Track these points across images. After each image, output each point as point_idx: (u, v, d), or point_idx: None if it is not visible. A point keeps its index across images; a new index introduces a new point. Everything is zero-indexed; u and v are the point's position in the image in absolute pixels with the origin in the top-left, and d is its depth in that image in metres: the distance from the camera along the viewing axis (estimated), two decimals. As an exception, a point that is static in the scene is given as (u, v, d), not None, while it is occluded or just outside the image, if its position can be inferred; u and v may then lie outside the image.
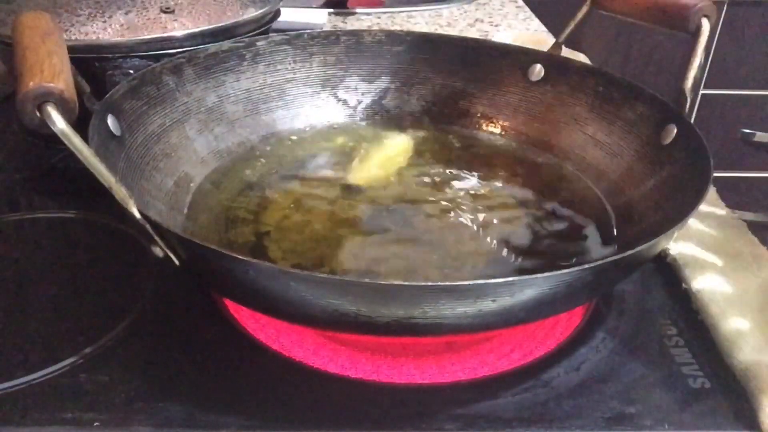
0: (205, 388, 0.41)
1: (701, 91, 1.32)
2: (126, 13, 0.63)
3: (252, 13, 0.68)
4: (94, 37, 0.61)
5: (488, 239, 0.49)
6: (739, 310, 0.46)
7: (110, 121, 0.47)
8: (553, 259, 0.48)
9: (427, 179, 0.56)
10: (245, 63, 0.61)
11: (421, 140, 0.62)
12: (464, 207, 0.53)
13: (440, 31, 1.04)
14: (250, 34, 0.67)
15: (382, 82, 0.66)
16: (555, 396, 0.41)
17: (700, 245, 0.52)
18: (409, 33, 0.67)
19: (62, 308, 0.47)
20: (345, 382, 0.42)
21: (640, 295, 0.50)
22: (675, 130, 0.52)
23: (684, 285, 0.50)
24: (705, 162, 0.46)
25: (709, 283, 0.48)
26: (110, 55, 0.59)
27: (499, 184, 0.56)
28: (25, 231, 0.57)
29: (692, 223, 0.55)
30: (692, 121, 0.52)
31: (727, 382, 0.43)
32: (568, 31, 0.64)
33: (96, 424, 0.38)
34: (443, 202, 0.53)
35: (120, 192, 0.38)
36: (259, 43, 0.62)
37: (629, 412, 0.40)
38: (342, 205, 0.52)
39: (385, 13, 1.10)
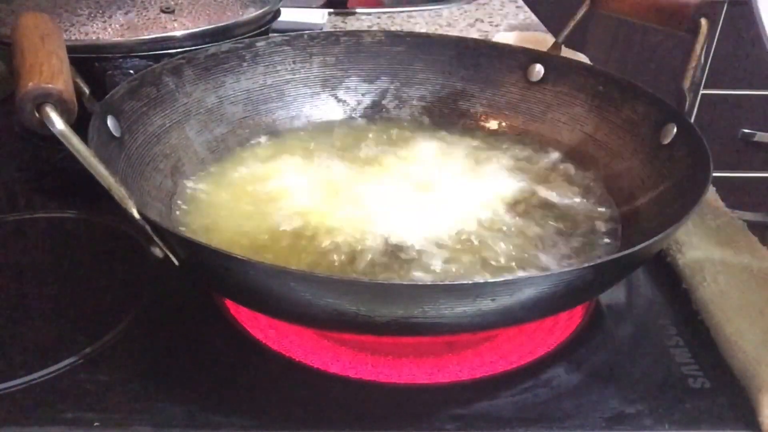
0: (205, 388, 0.41)
1: (701, 91, 1.32)
2: (126, 13, 0.64)
3: (252, 13, 0.68)
4: (94, 37, 0.61)
5: (489, 238, 0.49)
6: (739, 310, 0.46)
7: (110, 122, 0.47)
8: (554, 258, 0.48)
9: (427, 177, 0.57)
10: (245, 64, 0.61)
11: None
12: (462, 206, 0.53)
13: (440, 31, 1.04)
14: (250, 34, 0.67)
15: (382, 83, 0.66)
16: (555, 396, 0.41)
17: (700, 245, 0.52)
18: (409, 33, 0.67)
19: (62, 308, 0.47)
20: (345, 382, 0.42)
21: (640, 295, 0.50)
22: (675, 130, 0.52)
23: (684, 285, 0.50)
24: (705, 162, 0.46)
25: (709, 282, 0.48)
26: (110, 55, 0.59)
27: (498, 183, 0.56)
28: (25, 231, 0.57)
29: (692, 222, 0.55)
30: (692, 121, 0.52)
31: (727, 382, 0.43)
32: (567, 31, 0.64)
33: (96, 424, 0.38)
34: (445, 200, 0.53)
35: (119, 192, 0.38)
36: (258, 44, 0.62)
37: (629, 412, 0.40)
38: (344, 205, 0.52)
39: (385, 13, 1.10)
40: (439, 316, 0.36)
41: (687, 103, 0.53)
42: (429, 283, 0.42)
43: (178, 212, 0.50)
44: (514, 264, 0.47)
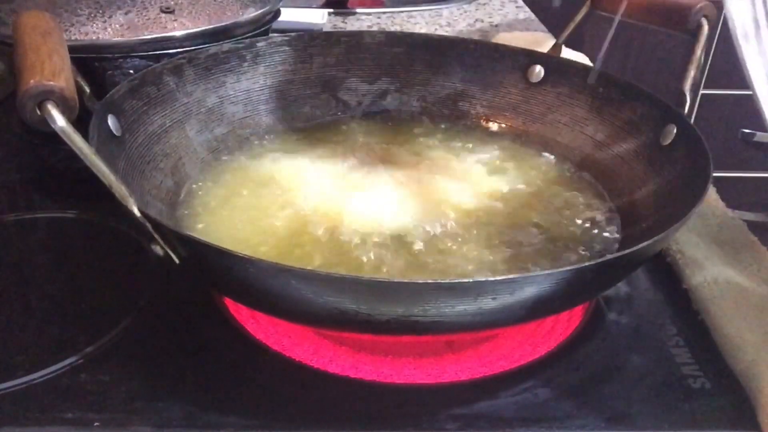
0: (205, 388, 0.41)
1: (701, 91, 1.32)
2: (126, 13, 0.64)
3: (252, 13, 0.68)
4: (94, 37, 0.61)
5: (491, 239, 0.49)
6: (739, 310, 0.46)
7: (110, 121, 0.47)
8: (554, 258, 0.48)
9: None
10: (245, 64, 0.61)
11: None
12: (464, 206, 0.53)
13: (440, 31, 1.04)
14: (250, 34, 0.67)
15: (382, 83, 0.66)
16: (555, 396, 0.41)
17: (700, 245, 0.52)
18: (409, 34, 0.67)
19: (62, 308, 0.47)
20: (345, 382, 0.42)
21: (640, 294, 0.50)
22: (675, 130, 0.52)
23: (684, 285, 0.50)
24: (705, 162, 0.46)
25: (709, 282, 0.48)
26: (110, 55, 0.59)
27: (498, 184, 0.56)
28: (25, 231, 0.57)
29: (692, 222, 0.55)
30: (692, 121, 0.52)
31: (727, 382, 0.43)
32: (567, 32, 0.64)
33: (96, 424, 0.38)
34: (444, 200, 0.53)
35: (120, 190, 0.38)
36: (259, 44, 0.62)
37: (629, 412, 0.40)
38: (345, 204, 0.52)
39: (385, 13, 1.11)
40: (440, 314, 0.36)
41: (687, 104, 0.53)
42: (430, 281, 0.42)
43: (179, 212, 0.50)
44: (514, 264, 0.47)
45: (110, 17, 0.63)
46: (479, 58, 0.65)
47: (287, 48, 0.63)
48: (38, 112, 0.36)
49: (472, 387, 0.42)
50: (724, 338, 0.44)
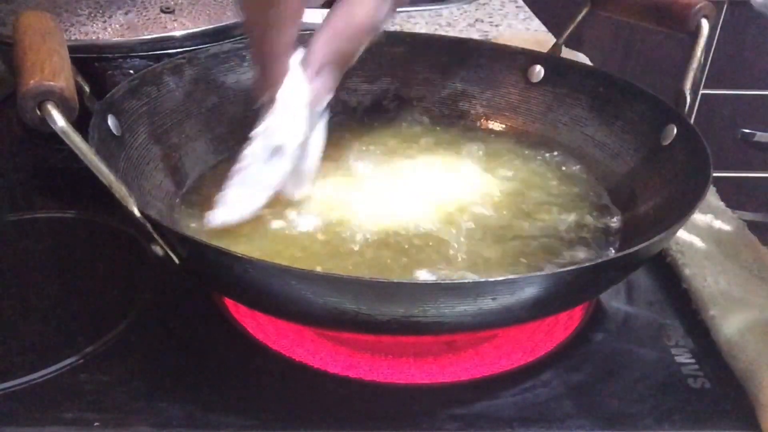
0: (205, 388, 0.41)
1: (701, 91, 1.32)
2: (126, 13, 0.64)
3: (252, 13, 0.68)
4: (94, 37, 0.61)
5: (491, 239, 0.49)
6: (739, 310, 0.46)
7: (110, 121, 0.47)
8: (554, 259, 0.48)
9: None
10: (246, 64, 0.61)
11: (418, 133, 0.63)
12: (463, 206, 0.53)
13: (440, 31, 1.04)
14: (251, 34, 0.67)
15: (383, 83, 0.66)
16: (555, 396, 0.41)
17: (700, 245, 0.52)
18: (409, 34, 0.67)
19: (62, 308, 0.47)
20: (345, 382, 0.42)
21: (640, 295, 0.50)
22: (675, 130, 0.52)
23: (684, 285, 0.50)
24: (705, 162, 0.46)
25: (709, 282, 0.48)
26: (110, 55, 0.60)
27: (498, 184, 0.56)
28: (25, 231, 0.57)
29: (692, 222, 0.55)
30: (692, 121, 0.52)
31: (727, 382, 0.43)
32: (568, 32, 0.64)
33: (96, 424, 0.38)
34: (444, 200, 0.53)
35: (120, 190, 0.38)
36: (259, 44, 0.62)
37: (629, 412, 0.40)
38: (346, 204, 0.52)
39: (385, 13, 1.10)
40: (440, 315, 0.36)
41: (687, 104, 0.53)
42: (430, 281, 0.42)
43: (179, 212, 0.50)
44: (513, 264, 0.47)
45: (110, 17, 0.63)
46: (479, 58, 0.65)
47: (287, 48, 0.63)
48: (38, 112, 0.36)
49: (472, 387, 0.42)
50: (724, 338, 0.44)
